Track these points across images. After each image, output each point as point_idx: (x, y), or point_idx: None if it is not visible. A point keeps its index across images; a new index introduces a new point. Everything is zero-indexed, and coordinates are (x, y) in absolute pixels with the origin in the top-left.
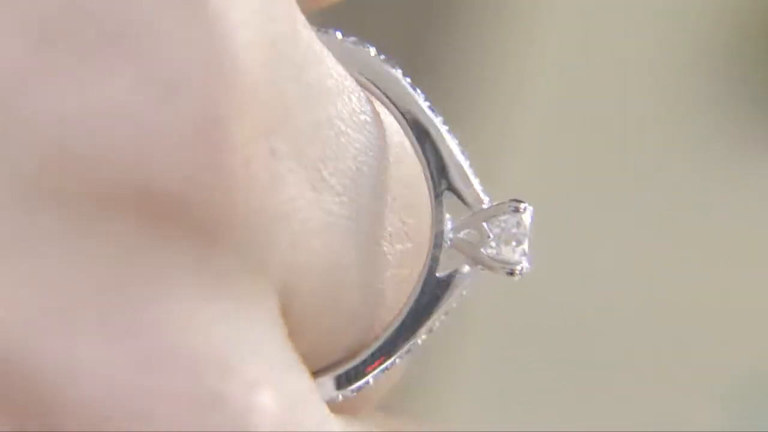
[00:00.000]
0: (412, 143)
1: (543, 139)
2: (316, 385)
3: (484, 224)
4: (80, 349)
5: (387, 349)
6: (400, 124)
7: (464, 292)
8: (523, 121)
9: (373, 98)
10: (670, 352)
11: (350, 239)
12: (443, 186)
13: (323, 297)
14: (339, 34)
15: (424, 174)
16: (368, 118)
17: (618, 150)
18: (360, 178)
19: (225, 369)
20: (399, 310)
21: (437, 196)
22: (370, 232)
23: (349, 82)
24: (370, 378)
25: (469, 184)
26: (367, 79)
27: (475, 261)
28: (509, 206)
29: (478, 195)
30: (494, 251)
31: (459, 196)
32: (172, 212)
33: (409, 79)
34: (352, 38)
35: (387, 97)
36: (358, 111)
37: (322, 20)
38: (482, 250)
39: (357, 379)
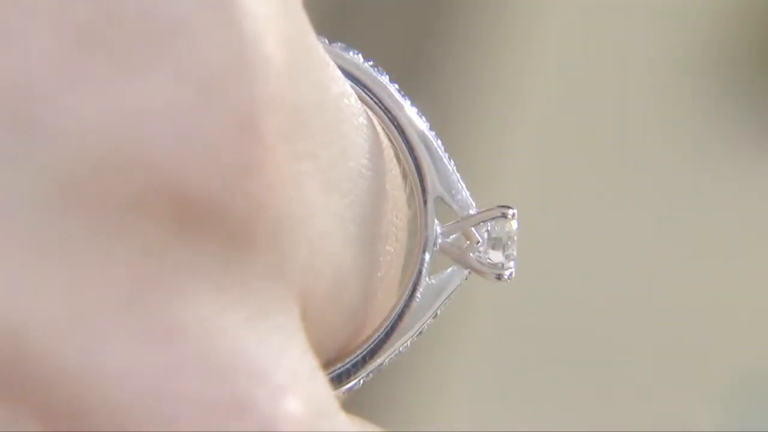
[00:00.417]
0: (400, 149)
1: (543, 139)
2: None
3: (473, 229)
4: (105, 351)
5: (377, 351)
6: (388, 130)
7: (452, 296)
8: (523, 121)
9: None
10: (669, 351)
11: (352, 243)
12: (431, 192)
13: (328, 300)
14: (326, 41)
15: (412, 180)
16: (365, 121)
17: (617, 150)
18: (361, 180)
19: (251, 375)
20: (388, 311)
21: (425, 202)
22: (368, 234)
23: (347, 86)
24: (361, 379)
25: (458, 190)
26: (356, 85)
27: (464, 265)
28: (497, 212)
29: (466, 201)
30: (482, 255)
31: (447, 203)
32: (204, 216)
33: (396, 86)
34: (339, 44)
35: (375, 103)
36: (357, 113)
37: (316, 23)
38: (471, 254)
39: (348, 380)
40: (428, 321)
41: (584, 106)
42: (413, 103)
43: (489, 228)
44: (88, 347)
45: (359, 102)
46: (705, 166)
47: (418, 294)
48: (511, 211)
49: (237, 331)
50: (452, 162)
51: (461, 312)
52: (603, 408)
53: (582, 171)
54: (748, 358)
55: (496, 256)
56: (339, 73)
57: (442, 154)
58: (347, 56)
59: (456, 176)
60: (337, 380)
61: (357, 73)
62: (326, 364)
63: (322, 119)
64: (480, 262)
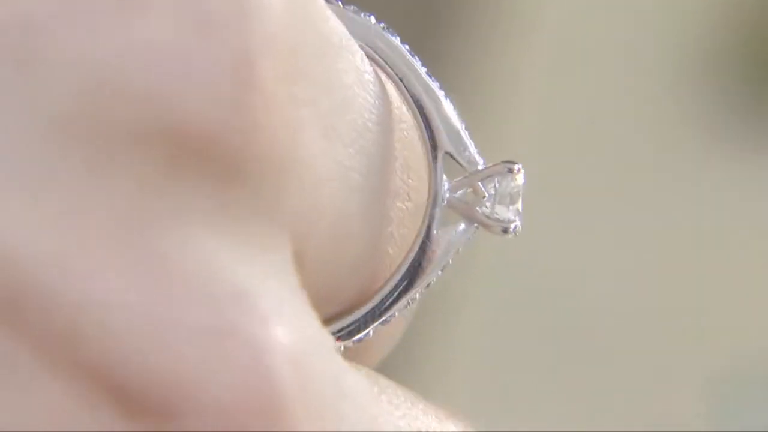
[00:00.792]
0: (410, 107)
1: (543, 139)
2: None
3: (479, 184)
4: (100, 279)
5: (386, 303)
6: (398, 88)
7: (460, 249)
8: (523, 121)
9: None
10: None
11: (356, 192)
12: (440, 148)
13: (328, 246)
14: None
15: (421, 137)
16: (371, 78)
17: (617, 150)
18: (367, 133)
19: (241, 303)
20: (398, 265)
21: (434, 159)
22: (374, 188)
23: (352, 43)
24: (370, 330)
25: (465, 147)
26: (367, 45)
27: (471, 219)
28: (503, 167)
29: (474, 157)
30: (489, 210)
31: (455, 159)
32: (197, 151)
33: (407, 46)
34: (352, 7)
35: (386, 62)
36: (362, 70)
37: None
38: (477, 209)
39: (358, 331)
40: (437, 273)
41: (584, 106)
42: (424, 64)
43: (496, 184)
44: (84, 276)
45: (366, 60)
46: (705, 165)
47: (426, 247)
48: (516, 166)
49: (228, 264)
50: (462, 120)
51: (458, 306)
52: (602, 406)
53: (582, 171)
54: (748, 358)
55: (502, 211)
56: (343, 28)
57: (450, 112)
58: (359, 18)
59: (464, 133)
60: (347, 332)
61: (367, 34)
62: (335, 317)
63: (323, 66)
64: (487, 217)
